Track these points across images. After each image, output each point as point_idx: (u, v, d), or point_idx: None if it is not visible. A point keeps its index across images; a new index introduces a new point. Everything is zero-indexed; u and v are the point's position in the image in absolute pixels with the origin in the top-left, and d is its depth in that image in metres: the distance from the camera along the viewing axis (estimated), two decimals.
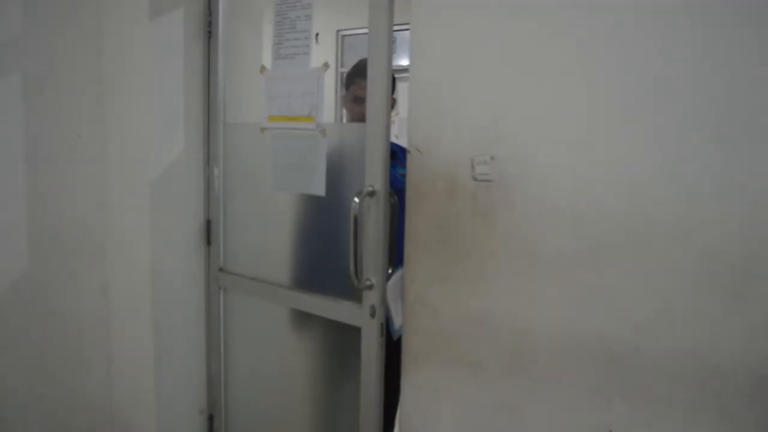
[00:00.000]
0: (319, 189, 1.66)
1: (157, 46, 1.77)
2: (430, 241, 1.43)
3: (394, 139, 2.05)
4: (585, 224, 1.24)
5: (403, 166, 1.57)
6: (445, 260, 1.41)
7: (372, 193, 1.52)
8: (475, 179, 1.36)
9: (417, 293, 1.46)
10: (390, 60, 1.49)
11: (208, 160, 1.93)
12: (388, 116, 1.51)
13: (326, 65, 1.65)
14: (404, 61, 3.61)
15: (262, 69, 1.76)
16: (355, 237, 1.51)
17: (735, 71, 1.09)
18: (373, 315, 1.56)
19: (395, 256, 1.64)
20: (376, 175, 1.52)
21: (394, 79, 1.99)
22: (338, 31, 3.99)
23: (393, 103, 1.94)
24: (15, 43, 1.66)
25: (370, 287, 1.55)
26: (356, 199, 1.50)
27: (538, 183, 1.29)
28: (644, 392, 1.20)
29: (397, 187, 1.62)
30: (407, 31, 1.43)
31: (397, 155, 1.80)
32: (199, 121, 1.90)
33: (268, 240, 1.88)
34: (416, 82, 1.43)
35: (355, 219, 1.50)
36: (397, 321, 1.70)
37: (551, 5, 1.25)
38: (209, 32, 1.88)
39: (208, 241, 1.97)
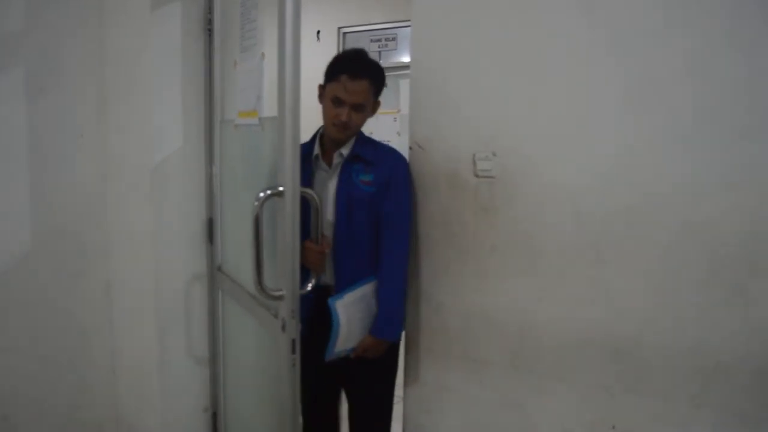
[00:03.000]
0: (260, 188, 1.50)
1: (159, 44, 1.77)
2: (434, 237, 1.43)
3: (394, 137, 1.98)
4: (587, 219, 1.24)
5: (368, 173, 1.48)
6: (448, 256, 1.41)
7: (279, 194, 1.33)
8: (476, 176, 1.35)
9: (421, 288, 1.46)
10: (297, 51, 1.27)
11: (210, 157, 1.93)
12: (297, 112, 1.31)
13: (263, 55, 1.50)
14: (406, 58, 3.60)
15: (235, 63, 1.68)
16: (257, 241, 1.36)
17: (732, 69, 1.09)
18: (283, 329, 1.37)
19: (370, 265, 1.48)
20: (284, 174, 1.33)
21: (383, 79, 1.68)
22: (339, 27, 3.99)
23: (377, 105, 1.67)
24: (16, 41, 1.66)
25: (280, 298, 1.36)
26: (258, 199, 1.33)
27: (540, 179, 1.28)
28: (647, 387, 1.20)
29: (359, 195, 1.50)
30: (408, 28, 1.42)
31: (364, 160, 1.58)
32: (200, 119, 1.90)
33: (239, 240, 1.81)
34: (417, 79, 1.42)
35: (257, 221, 1.34)
36: (340, 344, 1.51)
37: (551, 3, 1.24)
38: (209, 30, 1.87)
39: (211, 239, 1.97)
